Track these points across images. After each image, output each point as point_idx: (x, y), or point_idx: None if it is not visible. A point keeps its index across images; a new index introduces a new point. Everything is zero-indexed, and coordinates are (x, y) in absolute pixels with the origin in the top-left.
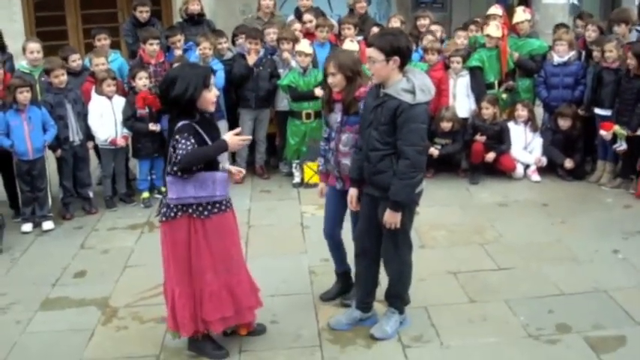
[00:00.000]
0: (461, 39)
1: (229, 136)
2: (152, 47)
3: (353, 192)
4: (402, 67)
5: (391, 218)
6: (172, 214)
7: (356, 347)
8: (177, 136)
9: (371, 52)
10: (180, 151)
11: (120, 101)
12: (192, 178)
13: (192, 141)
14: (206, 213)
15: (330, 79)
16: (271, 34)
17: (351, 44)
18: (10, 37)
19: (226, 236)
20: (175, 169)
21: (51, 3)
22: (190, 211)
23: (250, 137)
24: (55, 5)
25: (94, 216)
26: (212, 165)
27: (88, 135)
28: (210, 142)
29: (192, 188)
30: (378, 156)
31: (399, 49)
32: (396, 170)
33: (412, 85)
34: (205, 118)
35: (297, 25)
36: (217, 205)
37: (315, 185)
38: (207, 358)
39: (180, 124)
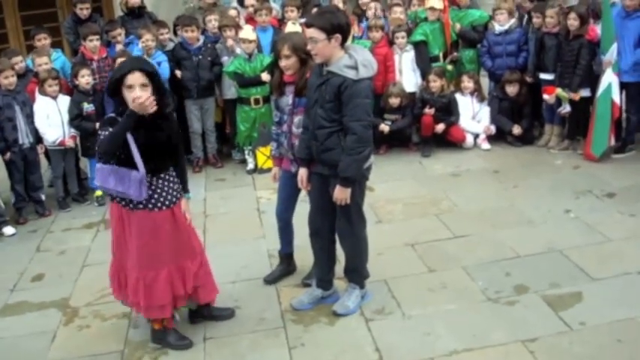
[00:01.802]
0: (397, 14)
1: (134, 105)
2: (93, 43)
3: (302, 172)
4: (342, 44)
5: (341, 194)
6: (109, 198)
7: (320, 325)
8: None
9: (312, 32)
10: (97, 145)
11: (65, 100)
12: (113, 169)
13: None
14: (131, 206)
15: (283, 62)
16: (212, 21)
17: (293, 27)
18: None
19: (150, 234)
20: (97, 156)
21: None
22: (118, 199)
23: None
24: None
25: (48, 218)
26: (132, 163)
27: (38, 138)
28: (130, 143)
29: (113, 180)
30: (325, 134)
31: (339, 27)
32: (344, 146)
33: (354, 61)
34: (142, 120)
35: (233, 12)
36: (142, 203)
37: (268, 170)
38: (170, 348)
39: (107, 116)
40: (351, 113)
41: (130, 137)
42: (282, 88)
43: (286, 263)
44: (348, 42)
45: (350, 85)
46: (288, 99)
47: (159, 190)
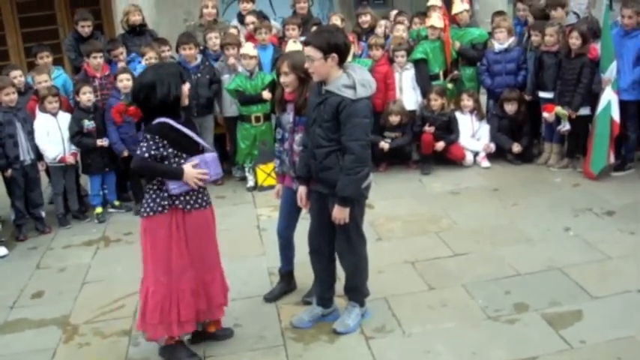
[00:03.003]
0: (399, 32)
1: (188, 167)
2: (96, 61)
3: (302, 190)
4: (340, 63)
5: (340, 214)
6: (158, 209)
7: (320, 343)
8: (146, 134)
9: (309, 50)
10: (138, 152)
11: (66, 118)
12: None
13: (154, 143)
14: (188, 207)
15: (282, 79)
16: (213, 38)
17: (294, 45)
18: None
19: (204, 233)
20: (131, 166)
21: None
22: (177, 202)
23: (206, 172)
24: None
25: (48, 235)
26: (198, 148)
27: (39, 155)
28: (193, 136)
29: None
30: (324, 153)
31: (336, 46)
32: (342, 166)
33: (353, 80)
34: (187, 117)
35: (233, 30)
36: (200, 198)
37: (269, 188)
38: None
39: (155, 122)
40: (349, 133)
41: (183, 127)
42: (284, 105)
43: (286, 281)
44: (348, 61)
45: (348, 104)
46: (289, 116)
47: (202, 186)
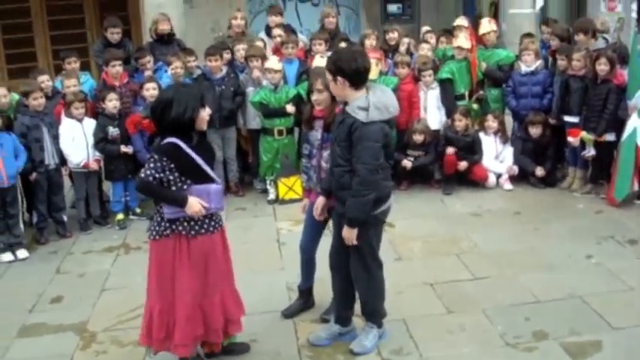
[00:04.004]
0: (424, 51)
1: (193, 200)
2: (115, 69)
3: (320, 200)
4: (355, 85)
5: (347, 234)
6: (163, 232)
7: None
8: (155, 155)
9: (326, 72)
10: (142, 174)
11: (91, 124)
12: (186, 191)
13: (161, 166)
14: (193, 232)
15: (315, 96)
16: (240, 50)
17: (321, 60)
18: None
19: (210, 258)
20: (135, 187)
21: (19, 25)
22: (181, 228)
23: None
24: (23, 27)
25: (69, 239)
26: (205, 177)
27: (63, 159)
28: (202, 164)
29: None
30: (340, 172)
31: (340, 70)
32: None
33: (368, 102)
34: (202, 141)
35: (260, 43)
36: (206, 223)
37: (290, 201)
38: None
39: (165, 142)
40: (358, 155)
41: (194, 154)
42: (312, 123)
43: (305, 298)
44: (374, 79)
45: (359, 126)
46: (317, 134)
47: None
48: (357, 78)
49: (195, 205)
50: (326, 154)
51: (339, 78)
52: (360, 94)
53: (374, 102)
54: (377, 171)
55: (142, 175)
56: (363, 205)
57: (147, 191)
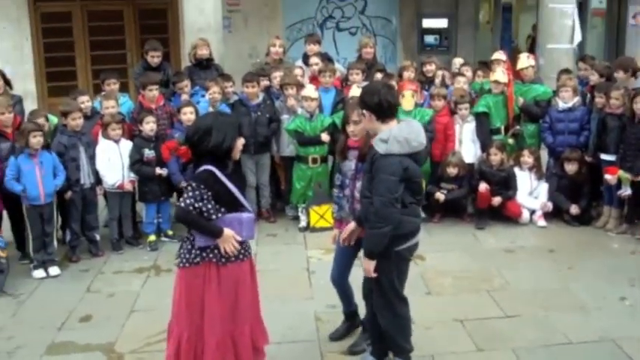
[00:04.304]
0: (460, 84)
1: (229, 232)
2: (152, 93)
3: (352, 225)
4: (382, 118)
5: (366, 265)
6: (193, 260)
7: None
8: (192, 183)
9: None
10: (182, 203)
11: (127, 145)
12: (218, 220)
13: (200, 194)
14: (223, 260)
15: (351, 127)
16: (277, 77)
17: (357, 90)
18: (20, 78)
19: (239, 286)
20: (175, 216)
21: (61, 44)
22: (211, 255)
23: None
24: (64, 46)
25: (101, 258)
26: (238, 205)
27: (98, 179)
28: (236, 192)
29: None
30: (366, 202)
31: (365, 103)
32: None
33: (388, 135)
34: (236, 170)
35: (299, 71)
36: (237, 251)
37: (321, 229)
38: None
39: (202, 169)
40: (375, 187)
41: (229, 183)
42: (346, 153)
43: (351, 321)
44: (408, 110)
45: (378, 158)
46: (351, 164)
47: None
48: (382, 112)
49: (229, 236)
50: (359, 184)
51: (365, 111)
52: (387, 127)
53: (395, 135)
54: (392, 204)
55: (182, 204)
56: (378, 237)
57: (186, 221)
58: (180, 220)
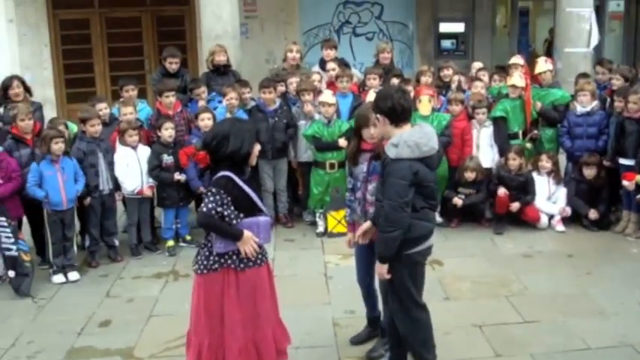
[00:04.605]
0: (478, 89)
1: (248, 235)
2: (168, 99)
3: (367, 224)
4: (395, 123)
5: (378, 268)
6: (212, 267)
7: None
8: (212, 188)
9: None
10: (205, 208)
11: (145, 151)
12: (237, 224)
13: (220, 199)
14: (242, 266)
15: (372, 130)
16: (294, 83)
17: (374, 95)
18: (39, 85)
19: (258, 291)
20: (197, 222)
21: (79, 51)
22: (230, 262)
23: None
24: (83, 53)
25: (120, 264)
26: (254, 209)
27: (117, 184)
28: (254, 197)
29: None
30: (379, 205)
31: (378, 108)
32: None
33: (399, 139)
34: (252, 175)
35: (316, 76)
36: (254, 256)
37: (338, 234)
38: None
39: (220, 174)
40: (385, 191)
41: (247, 187)
42: (357, 158)
43: (373, 326)
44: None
45: (388, 163)
46: (362, 167)
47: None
48: (395, 116)
49: (249, 239)
50: (371, 186)
51: (379, 116)
52: (400, 131)
53: (405, 139)
54: (402, 209)
55: (204, 209)
56: (388, 241)
57: (208, 225)
58: (203, 225)
